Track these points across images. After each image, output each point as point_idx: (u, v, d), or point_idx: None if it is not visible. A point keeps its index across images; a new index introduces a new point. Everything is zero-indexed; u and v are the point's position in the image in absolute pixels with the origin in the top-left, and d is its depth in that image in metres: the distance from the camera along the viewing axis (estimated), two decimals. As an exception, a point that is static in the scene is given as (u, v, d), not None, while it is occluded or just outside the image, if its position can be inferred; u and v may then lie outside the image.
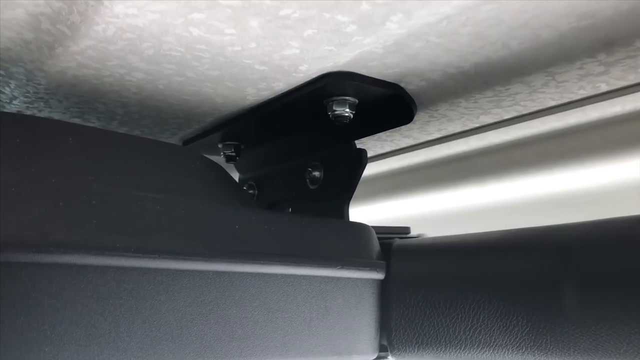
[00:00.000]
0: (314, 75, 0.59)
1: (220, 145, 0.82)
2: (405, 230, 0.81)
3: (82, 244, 0.43)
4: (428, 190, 0.90)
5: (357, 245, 0.63)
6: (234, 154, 0.83)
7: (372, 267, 0.61)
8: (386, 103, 0.65)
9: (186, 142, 0.84)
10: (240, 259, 0.51)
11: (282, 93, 0.64)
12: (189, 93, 0.63)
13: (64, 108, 0.69)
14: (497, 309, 0.54)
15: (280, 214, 0.62)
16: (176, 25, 0.48)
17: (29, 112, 0.70)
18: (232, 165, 0.89)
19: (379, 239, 0.71)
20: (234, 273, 0.51)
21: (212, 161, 0.63)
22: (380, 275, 0.62)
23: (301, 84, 0.61)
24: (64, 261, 0.42)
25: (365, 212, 1.02)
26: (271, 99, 0.65)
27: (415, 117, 0.67)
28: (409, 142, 0.80)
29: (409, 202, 0.95)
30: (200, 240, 0.49)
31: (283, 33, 0.49)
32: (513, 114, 0.69)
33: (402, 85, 0.63)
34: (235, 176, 0.94)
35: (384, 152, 0.86)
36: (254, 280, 0.53)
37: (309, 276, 0.57)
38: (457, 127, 0.74)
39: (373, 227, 0.75)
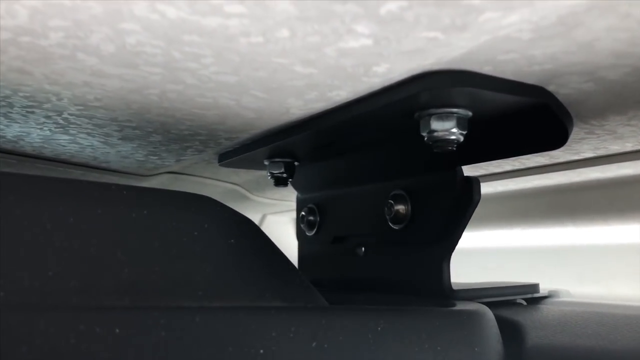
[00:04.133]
0: (398, 79, 0.34)
1: (266, 163, 0.59)
2: (532, 289, 0.55)
3: None
4: (560, 221, 0.63)
5: (469, 352, 0.38)
6: (284, 175, 0.59)
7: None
8: (520, 116, 0.40)
9: (222, 156, 0.61)
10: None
11: (346, 103, 0.39)
12: (202, 105, 0.40)
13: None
14: None
15: (356, 312, 0.36)
16: (134, 4, 0.24)
17: None
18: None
19: (496, 303, 0.49)
20: None
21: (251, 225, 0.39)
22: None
23: (376, 91, 0.36)
24: None
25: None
26: (330, 110, 0.41)
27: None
28: (542, 161, 0.53)
29: (529, 233, 0.68)
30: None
31: (339, 10, 0.24)
32: None
33: (551, 89, 0.36)
34: (290, 192, 0.70)
35: (499, 172, 0.59)
36: None
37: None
38: (626, 146, 0.46)
39: (489, 287, 0.51)
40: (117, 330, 0.28)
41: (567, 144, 0.48)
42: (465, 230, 0.49)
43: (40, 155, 0.62)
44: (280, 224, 1.08)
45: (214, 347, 0.30)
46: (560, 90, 0.37)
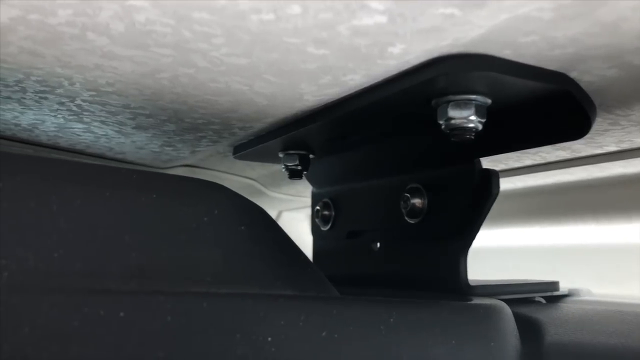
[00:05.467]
0: (415, 63, 0.33)
1: (281, 155, 0.58)
2: (551, 287, 0.54)
3: None
4: (582, 219, 0.61)
5: (485, 347, 0.37)
6: (299, 167, 0.58)
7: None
8: (540, 104, 0.38)
9: (237, 148, 0.60)
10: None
11: (360, 90, 0.38)
12: (214, 91, 0.39)
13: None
14: None
15: (368, 303, 0.34)
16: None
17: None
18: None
19: (514, 301, 0.47)
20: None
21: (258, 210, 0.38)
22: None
23: (392, 76, 0.35)
24: None
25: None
26: (344, 98, 0.40)
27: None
28: (563, 155, 0.52)
29: (549, 231, 0.66)
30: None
31: (351, -18, 0.23)
32: None
33: (573, 76, 0.35)
34: (306, 188, 0.70)
35: (519, 167, 0.58)
36: None
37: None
38: (653, 138, 0.45)
39: (507, 284, 0.50)
40: (122, 314, 0.27)
41: (589, 136, 0.46)
42: (484, 227, 0.48)
43: (56, 146, 0.61)
44: (296, 221, 1.08)
45: (221, 333, 0.29)
46: (583, 77, 0.35)
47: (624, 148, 0.47)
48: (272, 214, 1.08)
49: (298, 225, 1.05)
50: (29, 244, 0.28)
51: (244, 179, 0.83)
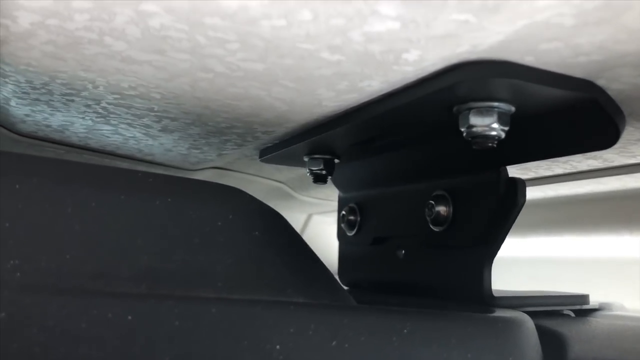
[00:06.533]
0: (433, 69, 0.32)
1: (305, 159, 0.58)
2: (581, 300, 0.52)
3: None
4: (616, 230, 0.59)
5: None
6: (323, 171, 0.58)
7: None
8: (567, 113, 0.37)
9: (263, 152, 0.60)
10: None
11: (380, 96, 0.38)
12: (234, 96, 0.39)
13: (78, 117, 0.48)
14: None
15: (382, 312, 0.33)
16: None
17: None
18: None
19: (541, 313, 0.47)
20: None
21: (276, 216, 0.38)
22: None
23: (411, 82, 0.35)
24: None
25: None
26: (364, 104, 0.40)
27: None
28: (594, 164, 0.50)
29: (581, 241, 0.64)
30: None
31: (359, -12, 0.23)
32: None
33: (601, 84, 0.34)
34: (335, 191, 0.69)
35: (549, 175, 0.56)
36: None
37: None
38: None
39: (534, 296, 0.49)
40: (130, 317, 0.27)
41: (621, 145, 0.45)
42: (515, 236, 0.46)
43: (87, 147, 0.63)
44: (327, 225, 1.07)
45: (229, 339, 0.29)
46: (611, 85, 0.34)
47: (659, 158, 0.46)
48: (302, 217, 1.08)
49: (328, 228, 1.05)
50: (42, 245, 0.29)
51: (272, 182, 0.83)
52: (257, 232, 0.35)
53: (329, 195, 0.90)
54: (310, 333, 0.31)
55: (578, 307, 0.52)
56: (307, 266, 0.37)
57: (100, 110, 0.47)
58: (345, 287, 0.67)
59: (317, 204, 0.97)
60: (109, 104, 0.45)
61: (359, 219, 0.64)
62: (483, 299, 0.45)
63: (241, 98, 0.39)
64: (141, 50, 0.32)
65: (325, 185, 0.67)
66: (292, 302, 0.33)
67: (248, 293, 0.32)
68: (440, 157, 0.50)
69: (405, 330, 0.33)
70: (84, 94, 0.42)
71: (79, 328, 0.26)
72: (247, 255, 0.34)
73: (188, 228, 0.33)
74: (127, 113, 0.47)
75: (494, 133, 0.36)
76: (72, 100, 0.45)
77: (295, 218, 1.06)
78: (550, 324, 0.46)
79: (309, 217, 1.08)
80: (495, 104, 0.36)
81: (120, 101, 0.43)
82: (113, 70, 0.37)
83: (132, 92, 0.41)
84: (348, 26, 0.26)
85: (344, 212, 0.66)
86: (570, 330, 0.46)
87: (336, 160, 0.59)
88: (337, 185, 0.67)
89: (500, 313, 0.40)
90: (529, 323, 0.40)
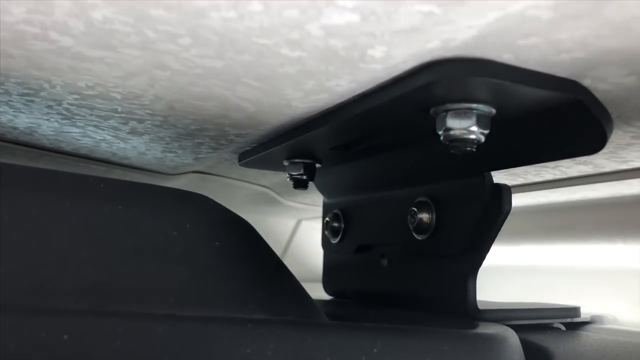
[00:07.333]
0: (405, 68, 0.30)
1: (285, 163, 0.56)
2: (571, 313, 0.49)
3: None
4: (609, 238, 0.57)
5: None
6: (304, 176, 0.55)
7: None
8: (551, 115, 0.35)
9: (242, 156, 0.58)
10: None
11: (353, 97, 0.35)
12: (197, 96, 0.37)
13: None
14: None
15: (350, 330, 0.30)
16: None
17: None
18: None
19: (530, 327, 0.44)
20: None
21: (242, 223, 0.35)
22: None
23: (383, 83, 0.32)
24: None
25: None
26: (337, 105, 0.37)
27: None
28: (585, 170, 0.48)
29: (574, 249, 0.62)
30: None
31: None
32: None
33: (586, 84, 0.31)
34: (321, 197, 0.67)
35: (539, 182, 0.54)
36: None
37: None
38: (683, 154, 0.40)
39: (521, 309, 0.46)
40: (66, 337, 0.25)
41: (611, 150, 0.42)
42: (506, 244, 0.44)
43: (59, 150, 0.60)
44: (316, 231, 1.05)
45: (177, 361, 0.26)
46: (597, 85, 0.31)
47: (652, 164, 0.43)
48: (291, 223, 1.05)
49: (317, 235, 1.03)
50: (-29, 257, 0.26)
51: (257, 186, 0.80)
52: (217, 242, 0.33)
53: (317, 201, 0.87)
54: (269, 354, 0.28)
55: (569, 320, 0.49)
56: (273, 279, 0.35)
57: (64, 112, 0.44)
58: (330, 297, 0.65)
59: (306, 210, 0.94)
60: (70, 104, 0.42)
61: (343, 225, 0.62)
62: (467, 312, 0.43)
63: (205, 98, 0.37)
64: (89, 46, 0.30)
65: (313, 190, 0.64)
66: (251, 318, 0.30)
67: (203, 309, 0.30)
68: (423, 162, 0.48)
69: (375, 350, 0.31)
70: (42, 94, 0.40)
71: (7, 349, 0.24)
72: (205, 268, 0.31)
73: (140, 238, 0.30)
74: (91, 114, 0.44)
75: (472, 136, 0.34)
76: (33, 101, 0.42)
77: (283, 224, 1.04)
78: (538, 338, 0.44)
79: (298, 222, 1.06)
80: (474, 105, 0.34)
81: (81, 102, 0.41)
82: (66, 69, 0.34)
83: (91, 92, 0.38)
84: (304, 18, 0.24)
85: (327, 219, 0.63)
86: (558, 346, 0.44)
87: (317, 165, 0.57)
88: (321, 190, 0.65)
89: (482, 329, 0.38)
90: (513, 339, 0.38)
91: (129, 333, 0.26)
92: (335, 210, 0.63)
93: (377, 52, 0.27)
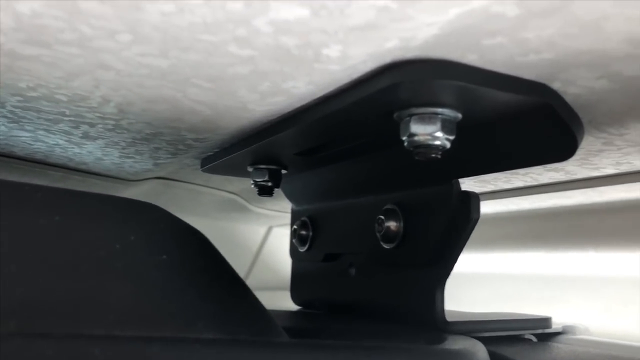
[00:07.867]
0: (365, 70, 0.28)
1: (250, 169, 0.53)
2: (542, 324, 0.48)
3: None
4: (580, 246, 0.55)
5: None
6: (269, 183, 0.53)
7: None
8: (519, 120, 0.33)
9: (205, 161, 0.55)
10: None
11: (314, 101, 0.33)
12: (147, 98, 0.34)
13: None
14: None
15: (306, 349, 0.28)
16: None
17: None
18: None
19: (500, 339, 0.43)
20: None
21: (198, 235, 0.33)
22: None
23: (344, 85, 0.30)
24: None
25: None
26: (298, 109, 0.35)
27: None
28: (556, 177, 0.46)
29: (546, 257, 0.61)
30: None
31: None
32: None
33: (556, 87, 0.30)
34: (286, 205, 0.65)
35: (510, 189, 0.52)
36: None
37: None
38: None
39: (491, 320, 0.45)
40: (-15, 364, 0.22)
41: (582, 157, 0.41)
42: (477, 252, 0.42)
43: (12, 154, 0.57)
44: (287, 237, 1.02)
45: (114, 388, 0.24)
46: (568, 88, 0.30)
47: (624, 171, 0.42)
48: (262, 230, 1.03)
49: (288, 242, 1.00)
50: None
51: (225, 193, 0.78)
52: (165, 255, 0.30)
53: (287, 208, 0.85)
54: (217, 377, 0.26)
55: (540, 331, 0.48)
56: (226, 294, 0.32)
57: (9, 115, 0.42)
58: (298, 307, 0.63)
59: (277, 217, 0.92)
60: (14, 107, 0.39)
61: (311, 233, 0.60)
62: (435, 324, 0.41)
63: (156, 100, 0.35)
64: (23, 42, 0.28)
65: (283, 197, 0.62)
66: (200, 338, 0.28)
67: (146, 329, 0.27)
68: (390, 169, 0.46)
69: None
70: (-19, 95, 0.37)
71: None
72: (149, 283, 0.29)
73: (77, 252, 0.28)
74: (39, 118, 0.42)
75: (437, 142, 0.32)
76: (-28, 103, 0.39)
77: (254, 231, 1.01)
78: (508, 351, 0.42)
79: (269, 229, 1.03)
80: (439, 109, 0.32)
81: (25, 104, 0.38)
82: (3, 68, 0.32)
83: (34, 94, 0.36)
84: (249, 12, 0.22)
85: (295, 227, 0.61)
86: (529, 358, 0.42)
87: (283, 171, 0.54)
88: (289, 197, 0.63)
89: (449, 343, 0.36)
90: (481, 353, 0.36)
91: (61, 356, 0.24)
92: (303, 218, 0.61)
93: (333, 51, 0.25)
